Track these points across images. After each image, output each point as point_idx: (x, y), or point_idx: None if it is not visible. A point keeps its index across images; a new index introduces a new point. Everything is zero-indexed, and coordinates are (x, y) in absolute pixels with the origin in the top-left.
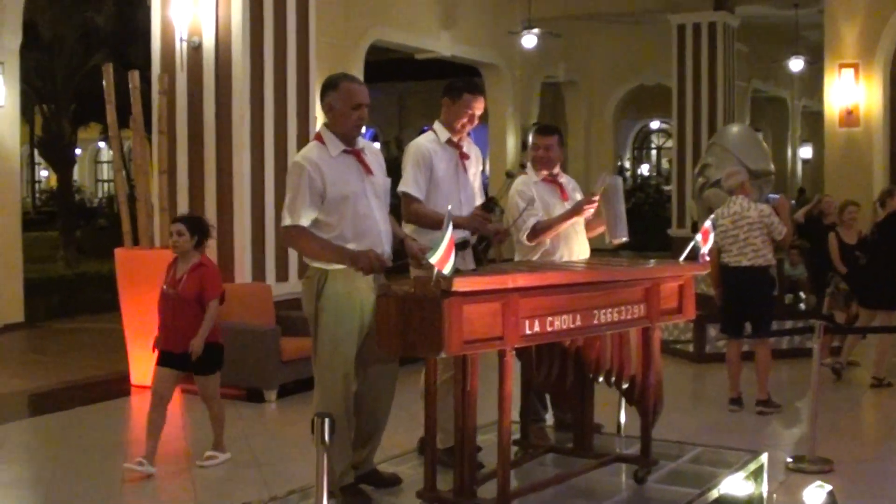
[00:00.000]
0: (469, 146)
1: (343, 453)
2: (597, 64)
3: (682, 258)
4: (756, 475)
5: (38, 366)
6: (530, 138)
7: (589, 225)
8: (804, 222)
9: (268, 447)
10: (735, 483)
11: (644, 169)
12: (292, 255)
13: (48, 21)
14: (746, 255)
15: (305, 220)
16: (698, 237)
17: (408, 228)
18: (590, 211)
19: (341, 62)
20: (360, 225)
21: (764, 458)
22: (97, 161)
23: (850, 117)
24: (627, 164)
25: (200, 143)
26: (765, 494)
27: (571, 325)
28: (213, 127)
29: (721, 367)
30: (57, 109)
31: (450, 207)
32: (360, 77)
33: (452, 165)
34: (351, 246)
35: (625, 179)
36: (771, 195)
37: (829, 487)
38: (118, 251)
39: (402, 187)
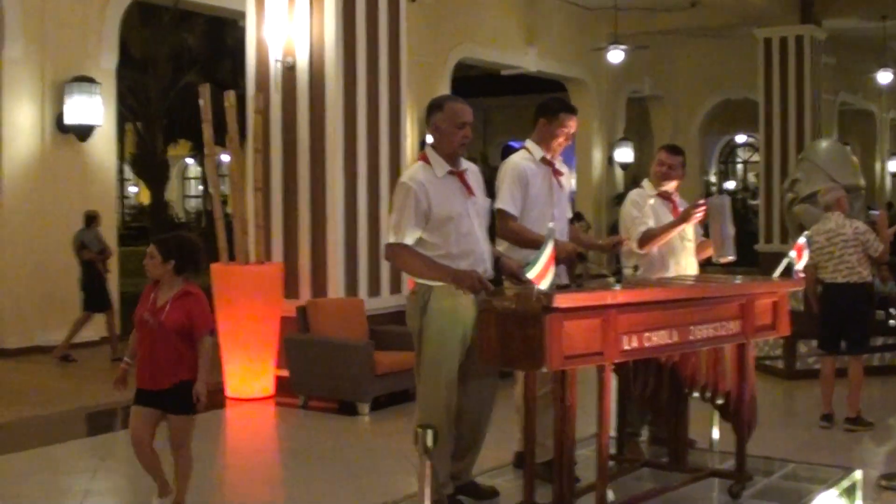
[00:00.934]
0: (560, 163)
1: (443, 464)
2: (682, 78)
3: (775, 274)
4: (850, 492)
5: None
6: (658, 154)
7: (700, 247)
8: (893, 239)
9: (362, 459)
10: (829, 500)
11: (730, 184)
12: (384, 270)
13: (141, 41)
14: (841, 272)
15: (410, 239)
16: (792, 254)
17: (501, 246)
18: (697, 217)
19: (429, 80)
20: (463, 244)
21: (858, 475)
22: (185, 177)
23: None
24: (713, 179)
25: (294, 161)
26: None
27: (668, 341)
28: (306, 144)
29: (811, 383)
30: (150, 127)
31: (551, 225)
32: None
33: (546, 183)
34: (455, 265)
35: (710, 194)
36: (871, 210)
37: None
38: (214, 267)
39: (498, 204)
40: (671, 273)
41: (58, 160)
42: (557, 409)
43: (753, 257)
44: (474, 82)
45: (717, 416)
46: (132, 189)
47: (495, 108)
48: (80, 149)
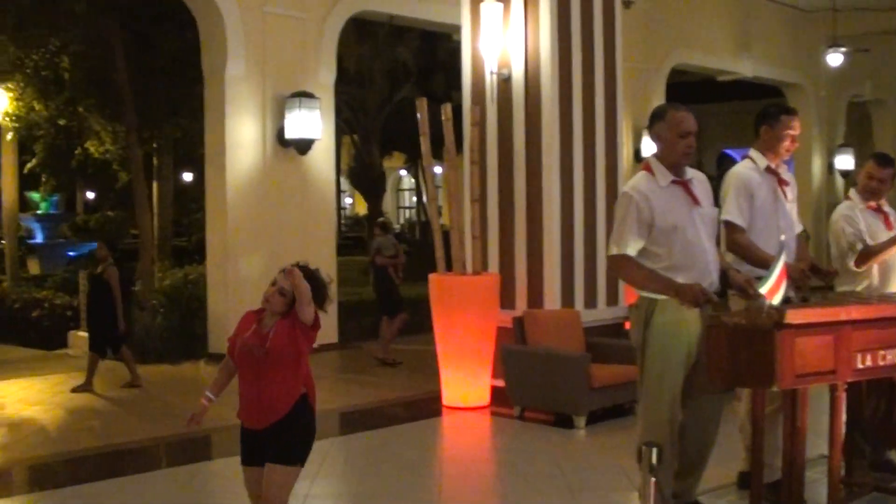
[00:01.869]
0: (785, 172)
1: (667, 483)
2: None
3: None
4: None
5: (352, 384)
6: (867, 166)
7: None
8: None
9: (579, 474)
10: None
11: None
12: (601, 281)
13: (357, 57)
14: None
15: (632, 250)
16: None
17: (729, 257)
18: None
19: (644, 87)
20: (689, 255)
21: None
22: (399, 189)
23: None
24: None
25: (510, 172)
26: None
27: None
28: (522, 156)
29: None
30: (366, 140)
31: (783, 238)
32: (661, 101)
33: (772, 193)
34: (680, 277)
35: None
36: None
37: None
38: (432, 276)
39: (725, 216)
40: (894, 289)
41: (279, 173)
42: (787, 429)
43: None
44: (689, 88)
45: None
46: (347, 200)
47: (710, 114)
48: (300, 162)
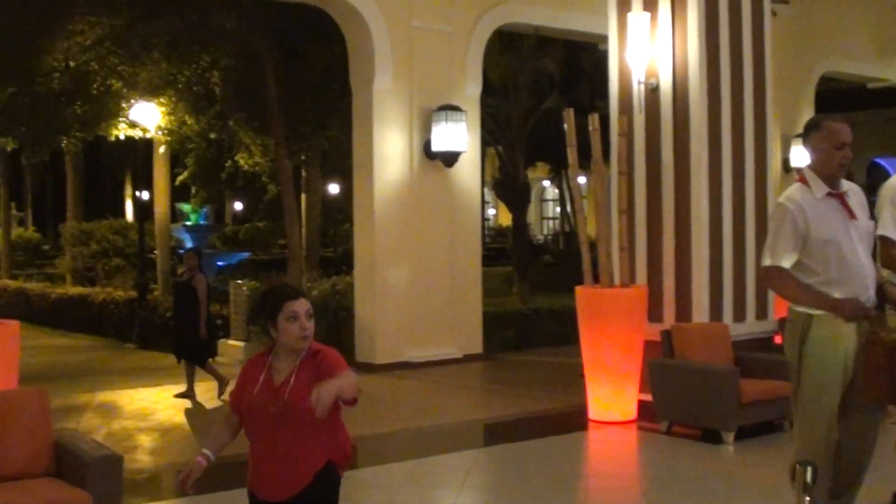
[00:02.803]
0: None
1: (821, 502)
2: None
3: None
4: None
5: (497, 396)
6: None
7: None
8: None
9: (728, 491)
10: None
11: None
12: (750, 295)
13: (502, 68)
14: None
15: (787, 262)
16: None
17: (885, 273)
18: None
19: (793, 95)
20: (844, 270)
21: None
22: (542, 199)
23: None
24: None
25: (658, 183)
26: None
27: None
28: (670, 167)
29: None
30: (511, 151)
31: None
32: (810, 109)
33: None
34: (836, 292)
35: None
36: None
37: None
38: (579, 289)
39: (880, 231)
40: None
41: (425, 185)
42: None
43: None
44: (838, 96)
45: None
46: (490, 211)
47: (860, 122)
48: (446, 174)
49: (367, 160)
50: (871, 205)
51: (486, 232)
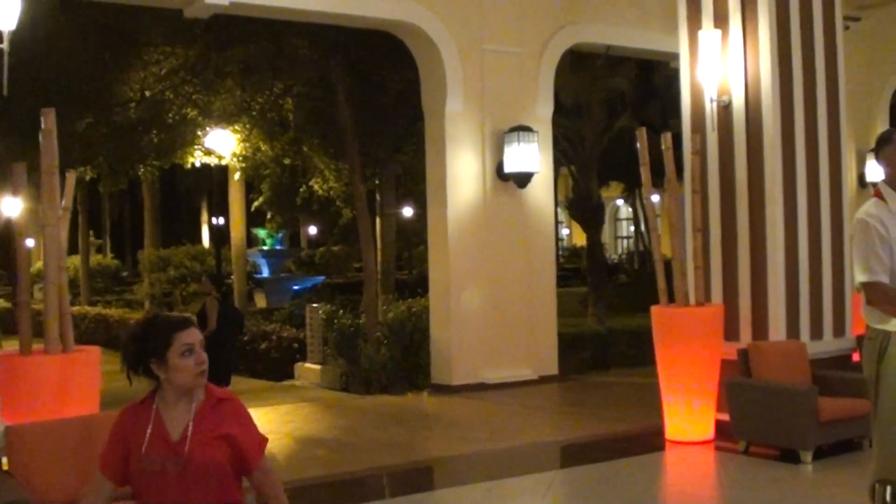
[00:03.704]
0: None
1: None
2: None
3: None
4: None
5: (573, 417)
6: None
7: None
8: None
9: None
10: None
11: None
12: (827, 311)
13: (573, 88)
14: None
15: (884, 276)
16: None
17: None
18: None
19: (867, 109)
20: None
21: None
22: (616, 219)
23: None
24: None
25: (732, 201)
26: None
27: None
28: (744, 185)
29: None
30: (584, 171)
31: None
32: (885, 123)
33: None
34: None
35: None
36: None
37: None
38: (654, 309)
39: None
40: None
41: (499, 207)
42: None
43: None
44: None
45: None
46: (563, 231)
47: None
48: (519, 195)
49: (440, 183)
50: None
51: (560, 252)
